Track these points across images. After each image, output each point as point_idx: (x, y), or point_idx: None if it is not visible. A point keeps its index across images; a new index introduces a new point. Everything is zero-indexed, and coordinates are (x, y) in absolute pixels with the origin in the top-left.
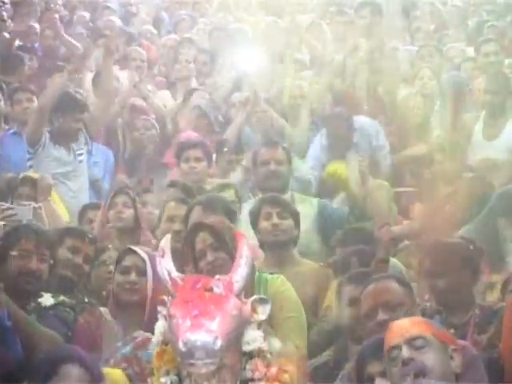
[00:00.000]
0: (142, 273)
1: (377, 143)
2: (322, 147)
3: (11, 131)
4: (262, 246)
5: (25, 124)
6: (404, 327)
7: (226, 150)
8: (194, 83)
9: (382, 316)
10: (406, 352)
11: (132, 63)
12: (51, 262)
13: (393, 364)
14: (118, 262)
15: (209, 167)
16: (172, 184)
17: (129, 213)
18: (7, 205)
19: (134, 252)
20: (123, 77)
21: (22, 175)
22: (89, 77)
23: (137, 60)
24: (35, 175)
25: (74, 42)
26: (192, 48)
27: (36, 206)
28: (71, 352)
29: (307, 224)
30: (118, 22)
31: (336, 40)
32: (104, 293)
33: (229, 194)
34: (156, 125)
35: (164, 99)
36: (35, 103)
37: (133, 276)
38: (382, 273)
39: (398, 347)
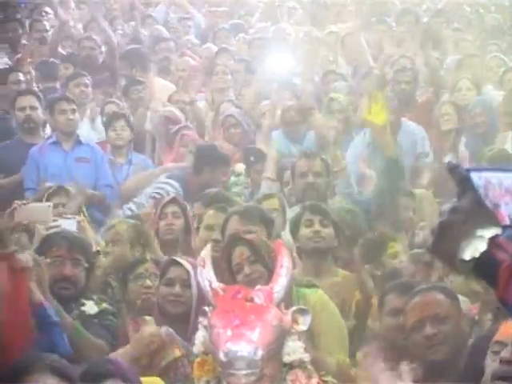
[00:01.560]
0: (187, 285)
1: (422, 150)
2: (367, 144)
3: (50, 141)
4: (300, 254)
5: (67, 135)
6: None
7: (252, 159)
8: (231, 94)
9: (429, 330)
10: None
11: (175, 74)
12: (86, 265)
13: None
14: (162, 273)
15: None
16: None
17: (179, 223)
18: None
19: (178, 263)
20: (163, 86)
21: (56, 185)
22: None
23: (179, 70)
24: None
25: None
26: (229, 58)
27: (80, 219)
28: (113, 367)
29: None
30: (164, 32)
31: (375, 48)
32: (138, 302)
33: (272, 204)
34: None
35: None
36: (77, 113)
37: (177, 288)
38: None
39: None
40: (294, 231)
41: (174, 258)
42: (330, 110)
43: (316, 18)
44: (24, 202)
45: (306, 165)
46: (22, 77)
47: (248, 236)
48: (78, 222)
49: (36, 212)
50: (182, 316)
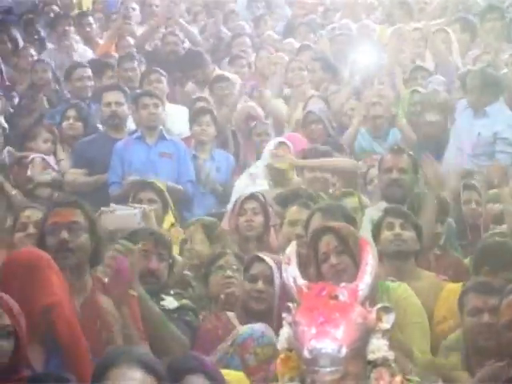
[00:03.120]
0: (270, 281)
1: (503, 135)
2: None
3: (134, 136)
4: (381, 257)
5: (150, 129)
6: None
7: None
8: (309, 90)
9: None
10: None
11: (271, 68)
12: (170, 261)
13: None
14: (246, 269)
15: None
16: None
17: (258, 220)
18: (114, 206)
19: (262, 260)
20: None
21: (144, 180)
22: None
23: (277, 65)
24: (160, 183)
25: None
26: (311, 55)
27: (149, 208)
28: (197, 363)
29: None
30: (247, 28)
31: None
32: (222, 296)
33: (352, 202)
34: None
35: (277, 106)
36: (160, 108)
37: (260, 284)
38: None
39: None
40: (376, 234)
41: (258, 254)
42: (412, 101)
43: (395, 16)
44: (111, 209)
45: (392, 160)
46: (87, 73)
47: (336, 224)
48: (143, 212)
49: (123, 219)
50: (265, 313)
